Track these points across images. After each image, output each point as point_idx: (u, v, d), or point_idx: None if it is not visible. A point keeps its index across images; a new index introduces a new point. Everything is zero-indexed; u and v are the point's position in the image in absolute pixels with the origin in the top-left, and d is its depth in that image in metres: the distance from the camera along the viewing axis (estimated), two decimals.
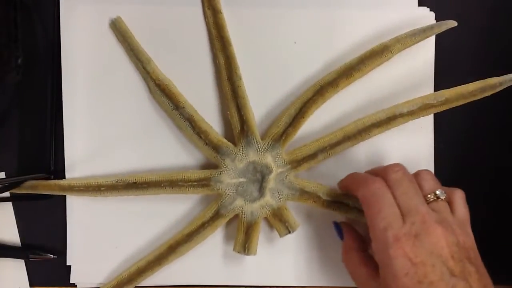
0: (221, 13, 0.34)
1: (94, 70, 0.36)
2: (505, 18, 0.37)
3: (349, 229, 0.33)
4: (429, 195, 0.29)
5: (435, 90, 0.36)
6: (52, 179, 0.35)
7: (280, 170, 0.34)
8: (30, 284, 0.36)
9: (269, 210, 0.34)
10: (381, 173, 0.30)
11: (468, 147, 0.37)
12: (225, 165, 0.34)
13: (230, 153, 0.34)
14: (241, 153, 0.34)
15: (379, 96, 0.36)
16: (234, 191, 0.34)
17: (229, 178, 0.34)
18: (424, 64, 0.36)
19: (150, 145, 0.36)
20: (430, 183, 0.30)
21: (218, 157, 0.34)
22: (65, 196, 0.36)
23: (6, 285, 0.36)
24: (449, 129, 0.37)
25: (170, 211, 0.36)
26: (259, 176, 0.34)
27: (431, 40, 0.36)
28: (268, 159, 0.34)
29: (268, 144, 0.34)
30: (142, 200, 0.36)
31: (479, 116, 0.37)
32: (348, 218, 0.35)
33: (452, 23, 0.34)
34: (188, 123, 0.34)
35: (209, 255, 0.36)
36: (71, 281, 0.36)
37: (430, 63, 0.36)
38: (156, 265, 0.34)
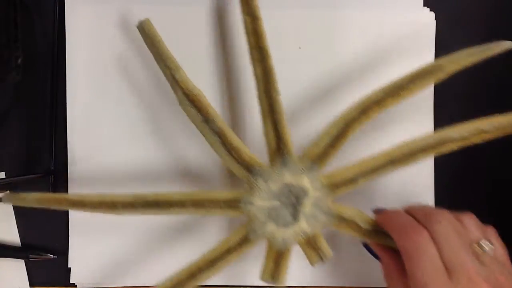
0: (259, 19, 0.32)
1: (97, 70, 0.36)
2: (506, 19, 0.37)
3: (384, 249, 0.31)
4: (474, 245, 0.28)
5: (435, 91, 0.36)
6: (52, 179, 0.35)
7: (317, 194, 0.31)
8: (30, 284, 0.36)
9: (302, 237, 0.31)
10: (423, 219, 0.28)
11: (468, 148, 0.37)
12: (257, 186, 0.31)
13: (263, 174, 0.31)
14: (275, 174, 0.31)
15: None
16: (266, 215, 0.31)
17: (261, 201, 0.31)
18: (424, 64, 0.36)
19: (152, 143, 0.36)
20: (473, 232, 0.28)
21: (250, 177, 0.31)
22: None
23: (6, 285, 0.36)
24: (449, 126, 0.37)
25: (174, 216, 0.36)
26: (294, 199, 0.31)
27: (431, 41, 0.36)
28: (305, 181, 0.31)
29: (305, 165, 0.31)
30: None
31: (479, 114, 0.37)
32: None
33: (510, 44, 0.32)
34: (218, 139, 0.31)
35: None
36: (71, 281, 0.36)
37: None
38: None
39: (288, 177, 0.31)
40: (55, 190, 0.36)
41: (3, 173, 0.36)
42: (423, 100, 0.36)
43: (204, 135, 0.32)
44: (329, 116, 0.35)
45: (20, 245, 0.36)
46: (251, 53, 0.32)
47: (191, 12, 0.35)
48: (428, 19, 0.36)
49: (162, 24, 0.36)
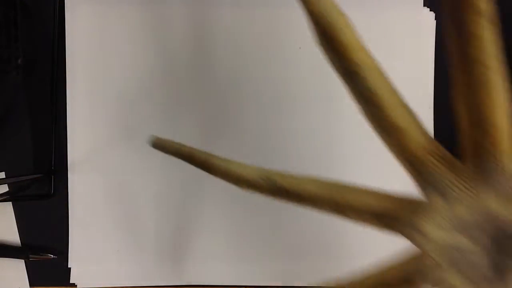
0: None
1: (97, 70, 0.36)
2: (506, 19, 0.37)
3: None
4: None
5: (435, 91, 0.36)
6: (53, 179, 0.35)
7: None
8: (30, 284, 0.36)
9: None
10: None
11: None
12: (432, 204, 0.18)
13: (444, 186, 0.18)
14: (468, 192, 0.18)
15: None
16: (444, 255, 0.18)
17: (437, 229, 0.18)
18: (424, 64, 0.36)
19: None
20: None
21: (421, 183, 0.19)
22: (66, 196, 0.36)
23: (6, 285, 0.36)
24: (449, 128, 0.37)
25: (174, 216, 0.36)
26: (501, 239, 0.17)
27: (431, 41, 0.36)
28: None
29: None
30: (145, 204, 0.36)
31: None
32: None
33: None
34: (367, 108, 0.19)
35: (210, 255, 0.36)
36: (71, 281, 0.36)
37: (430, 63, 0.36)
38: None
39: (492, 202, 0.17)
40: (55, 190, 0.36)
41: (3, 173, 0.36)
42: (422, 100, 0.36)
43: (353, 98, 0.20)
44: (329, 117, 0.36)
45: (20, 245, 0.36)
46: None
47: (192, 13, 0.35)
48: (428, 19, 0.36)
49: (161, 24, 0.36)
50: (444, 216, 0.18)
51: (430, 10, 0.36)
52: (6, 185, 0.36)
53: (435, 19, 0.36)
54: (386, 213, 0.19)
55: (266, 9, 0.36)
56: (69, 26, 0.35)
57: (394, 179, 0.36)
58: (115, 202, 0.36)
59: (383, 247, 0.35)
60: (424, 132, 0.18)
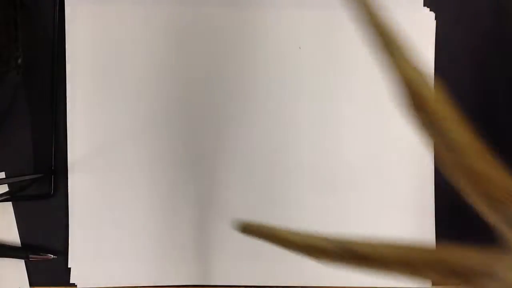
0: None
1: (97, 69, 0.36)
2: (505, 19, 0.37)
3: None
4: None
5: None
6: (53, 179, 0.35)
7: None
8: (30, 284, 0.36)
9: None
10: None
11: None
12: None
13: None
14: None
15: (379, 95, 0.36)
16: None
17: None
18: (424, 64, 0.36)
19: (152, 141, 0.36)
20: None
21: (504, 226, 0.17)
22: (66, 196, 0.36)
23: (6, 285, 0.36)
24: None
25: (174, 216, 0.36)
26: None
27: (431, 41, 0.36)
28: None
29: None
30: (145, 204, 0.36)
31: (479, 114, 0.37)
32: None
33: None
34: (454, 158, 0.19)
35: (209, 255, 0.36)
36: (71, 281, 0.36)
37: (430, 63, 0.36)
38: None
39: None
40: (55, 190, 0.36)
41: (3, 173, 0.36)
42: None
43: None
44: (328, 117, 0.36)
45: (20, 245, 0.36)
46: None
47: (189, 12, 0.35)
48: (428, 19, 0.36)
49: (161, 24, 0.36)
50: None
51: (430, 10, 0.36)
52: (6, 185, 0.36)
53: (435, 19, 0.36)
54: (465, 270, 0.17)
55: (266, 9, 0.36)
56: (69, 26, 0.35)
57: (394, 176, 0.36)
58: (115, 202, 0.36)
59: None
60: (505, 174, 0.17)
